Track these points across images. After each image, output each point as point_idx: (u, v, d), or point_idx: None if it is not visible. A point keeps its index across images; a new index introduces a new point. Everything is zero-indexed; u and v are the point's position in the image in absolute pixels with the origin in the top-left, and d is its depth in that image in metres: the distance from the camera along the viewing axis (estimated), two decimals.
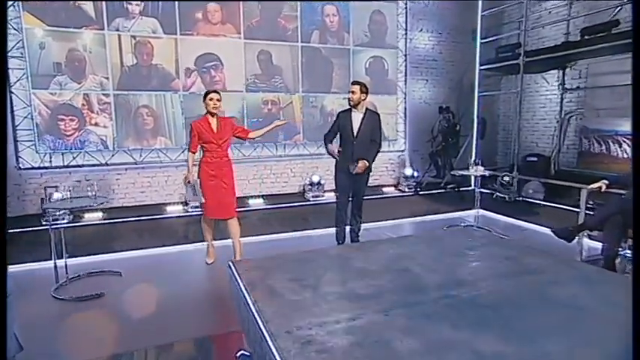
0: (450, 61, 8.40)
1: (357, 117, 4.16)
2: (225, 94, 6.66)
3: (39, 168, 5.90)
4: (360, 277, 2.06)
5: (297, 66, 7.18)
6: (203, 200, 3.92)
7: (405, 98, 8.07)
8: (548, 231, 4.72)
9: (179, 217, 5.97)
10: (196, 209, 5.88)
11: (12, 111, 5.66)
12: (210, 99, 3.84)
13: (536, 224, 5.29)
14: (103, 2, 5.89)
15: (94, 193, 3.60)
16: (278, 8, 6.92)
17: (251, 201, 6.72)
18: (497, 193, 6.71)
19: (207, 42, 6.55)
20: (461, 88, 8.39)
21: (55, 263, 3.57)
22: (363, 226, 4.65)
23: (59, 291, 3.51)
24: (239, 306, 1.98)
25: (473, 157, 7.32)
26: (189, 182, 3.87)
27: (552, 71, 7.16)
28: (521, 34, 6.61)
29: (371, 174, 4.42)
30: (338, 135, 4.29)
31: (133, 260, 4.37)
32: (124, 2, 6.01)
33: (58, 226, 3.81)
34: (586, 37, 5.84)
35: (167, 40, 6.32)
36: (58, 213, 5.47)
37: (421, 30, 8.14)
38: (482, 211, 5.62)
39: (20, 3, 5.51)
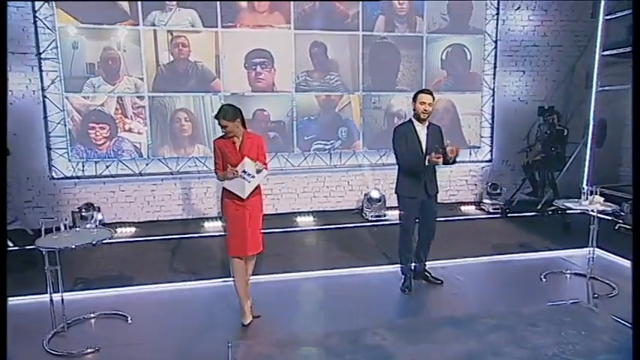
0: (556, 45, 7.21)
1: (422, 131, 3.87)
2: (271, 94, 6.44)
3: (72, 178, 5.94)
4: None
5: (358, 59, 6.54)
6: (264, 176, 3.46)
7: (492, 96, 7.10)
8: None
9: (217, 235, 5.67)
10: None
11: (45, 117, 5.74)
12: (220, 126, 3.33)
13: None
14: None
15: (94, 224, 3.40)
16: None
17: (299, 219, 6.33)
18: (622, 224, 5.49)
19: (252, 34, 6.18)
20: (571, 81, 7.24)
21: (51, 298, 3.29)
22: (429, 263, 4.28)
23: (54, 341, 3.29)
24: None
25: (585, 180, 6.25)
26: (235, 173, 3.33)
27: None
28: None
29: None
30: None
31: (151, 297, 4.08)
32: None
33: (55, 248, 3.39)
34: None
35: (207, 34, 5.99)
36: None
37: (518, 8, 7.08)
38: (598, 251, 4.53)
39: (54, 1, 5.57)
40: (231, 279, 3.93)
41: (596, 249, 4.40)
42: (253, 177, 3.37)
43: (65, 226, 3.40)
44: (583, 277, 4.18)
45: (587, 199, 3.97)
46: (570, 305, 2.59)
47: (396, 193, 4.05)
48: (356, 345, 1.86)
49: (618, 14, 6.04)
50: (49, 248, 3.12)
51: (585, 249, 4.43)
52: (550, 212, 6.22)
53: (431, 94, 3.83)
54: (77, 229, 3.52)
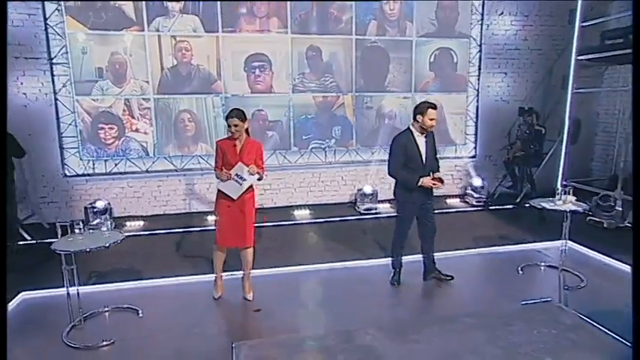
0: (536, 49, 7.20)
1: (421, 141, 3.75)
2: (269, 96, 6.44)
3: (83, 175, 5.96)
4: None
5: (351, 62, 6.53)
6: (256, 179, 3.53)
7: (477, 96, 7.11)
8: None
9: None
10: None
11: (57, 118, 5.73)
12: (229, 125, 3.42)
13: None
14: (143, 2, 5.74)
15: (106, 228, 3.40)
16: None
17: (296, 212, 6.38)
18: (593, 217, 5.56)
19: (251, 38, 6.15)
20: (549, 83, 7.21)
21: (68, 293, 3.32)
22: (413, 257, 4.25)
23: (72, 334, 3.30)
24: None
25: (560, 175, 6.32)
26: (229, 176, 3.46)
27: None
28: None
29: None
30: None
31: (159, 290, 4.09)
32: (164, 1, 5.82)
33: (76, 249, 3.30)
34: None
35: (208, 39, 5.96)
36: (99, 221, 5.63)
37: (501, 13, 7.05)
38: (570, 244, 4.62)
39: (64, 8, 5.51)
40: (233, 273, 4.07)
41: (568, 242, 4.51)
42: (245, 180, 3.48)
43: (78, 222, 3.38)
44: (556, 269, 4.20)
45: (560, 199, 4.03)
46: (542, 304, 2.65)
47: (394, 197, 3.97)
48: (350, 344, 1.94)
49: (592, 21, 6.03)
50: (66, 251, 3.13)
51: (559, 241, 4.50)
52: (527, 205, 6.31)
53: (435, 108, 3.68)
54: (91, 231, 3.51)
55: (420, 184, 3.64)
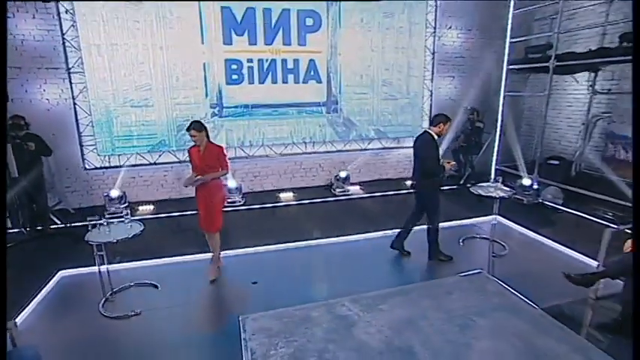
0: (477, 57, 7.40)
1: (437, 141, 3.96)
2: None
3: (101, 168, 5.93)
4: None
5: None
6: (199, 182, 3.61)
7: (431, 95, 7.28)
8: (567, 251, 4.20)
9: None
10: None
11: (76, 120, 5.65)
12: (190, 136, 3.53)
13: (555, 241, 4.45)
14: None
15: (127, 219, 3.41)
16: None
17: (282, 195, 6.46)
18: (516, 196, 5.91)
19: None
20: (487, 86, 7.42)
21: (99, 271, 3.38)
22: (383, 233, 4.58)
23: (107, 306, 3.41)
24: None
25: (495, 161, 6.61)
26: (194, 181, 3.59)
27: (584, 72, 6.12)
28: (553, 36, 5.58)
29: None
30: None
31: (173, 267, 4.11)
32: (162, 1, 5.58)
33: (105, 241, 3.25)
34: (625, 44, 4.79)
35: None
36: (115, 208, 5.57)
37: (450, 28, 7.18)
38: (499, 218, 4.93)
39: (79, 23, 5.29)
40: (232, 251, 4.22)
41: (497, 217, 4.84)
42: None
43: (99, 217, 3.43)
44: (488, 240, 4.39)
45: (493, 184, 4.31)
46: (474, 275, 2.93)
47: (424, 190, 4.03)
48: (331, 314, 2.09)
49: (519, 38, 6.24)
50: (97, 242, 3.20)
51: (490, 216, 4.83)
52: (468, 186, 6.62)
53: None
54: (114, 221, 3.47)
55: (445, 169, 3.88)
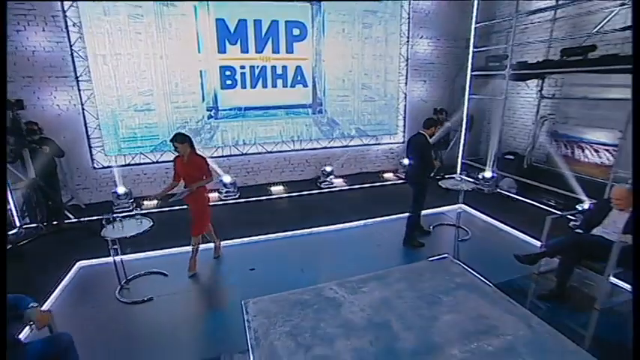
0: (444, 64, 7.65)
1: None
2: None
3: (108, 167, 5.95)
4: (346, 334, 1.94)
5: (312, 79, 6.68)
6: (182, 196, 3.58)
7: (405, 98, 7.49)
8: (519, 234, 4.43)
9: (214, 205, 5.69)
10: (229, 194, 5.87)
11: (85, 124, 5.65)
12: (173, 147, 3.47)
13: (510, 226, 4.70)
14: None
15: (138, 214, 3.47)
16: None
17: (273, 188, 6.56)
18: (478, 186, 6.19)
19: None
20: (453, 89, 7.71)
21: (114, 262, 3.44)
22: (360, 222, 4.76)
23: (122, 293, 3.48)
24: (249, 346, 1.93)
25: (460, 155, 6.86)
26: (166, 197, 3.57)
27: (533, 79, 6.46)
28: (509, 48, 5.85)
29: None
30: None
31: (178, 256, 4.07)
32: (169, 1, 5.59)
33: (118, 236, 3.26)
34: (565, 57, 5.11)
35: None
36: (121, 202, 5.61)
37: (421, 37, 7.37)
38: (464, 207, 5.21)
39: (85, 35, 5.22)
40: (230, 240, 4.28)
41: (462, 205, 5.12)
42: (176, 193, 3.60)
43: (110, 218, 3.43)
44: (454, 227, 4.59)
45: (458, 180, 4.58)
46: (441, 259, 3.06)
47: (419, 183, 4.16)
48: (320, 297, 2.21)
49: (481, 48, 6.50)
50: (112, 237, 3.24)
51: (456, 205, 5.11)
52: (438, 178, 6.91)
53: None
54: (126, 219, 3.46)
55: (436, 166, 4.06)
